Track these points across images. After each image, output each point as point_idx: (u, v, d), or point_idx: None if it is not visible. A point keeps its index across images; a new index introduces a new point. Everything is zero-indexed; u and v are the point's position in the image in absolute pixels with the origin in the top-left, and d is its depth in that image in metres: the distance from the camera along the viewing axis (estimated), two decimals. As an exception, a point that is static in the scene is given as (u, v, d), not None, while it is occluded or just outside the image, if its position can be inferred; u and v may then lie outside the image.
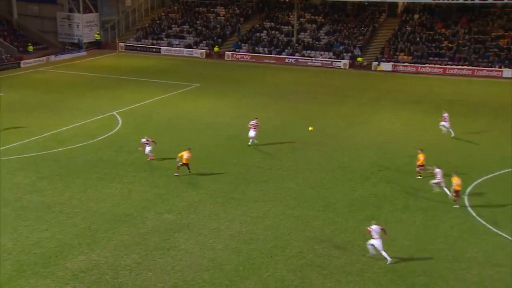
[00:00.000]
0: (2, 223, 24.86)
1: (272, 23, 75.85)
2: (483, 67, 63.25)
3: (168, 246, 23.31)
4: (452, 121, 39.27)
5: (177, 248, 23.18)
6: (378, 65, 65.53)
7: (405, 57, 67.06)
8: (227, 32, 76.32)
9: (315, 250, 23.21)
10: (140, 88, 53.28)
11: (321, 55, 69.82)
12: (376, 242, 22.01)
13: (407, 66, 65.33)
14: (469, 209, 27.33)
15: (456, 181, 27.26)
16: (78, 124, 40.60)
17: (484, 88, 56.73)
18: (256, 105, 47.85)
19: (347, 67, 67.11)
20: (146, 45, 74.97)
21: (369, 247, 22.29)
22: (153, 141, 33.44)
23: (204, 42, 74.76)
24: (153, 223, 25.44)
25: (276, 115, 44.79)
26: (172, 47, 74.28)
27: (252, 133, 36.42)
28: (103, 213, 26.22)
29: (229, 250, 23.15)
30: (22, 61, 62.86)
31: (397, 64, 65.87)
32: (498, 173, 32.20)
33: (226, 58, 71.22)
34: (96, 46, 74.89)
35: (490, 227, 25.46)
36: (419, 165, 31.02)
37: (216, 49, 72.61)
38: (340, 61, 67.72)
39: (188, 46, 74.43)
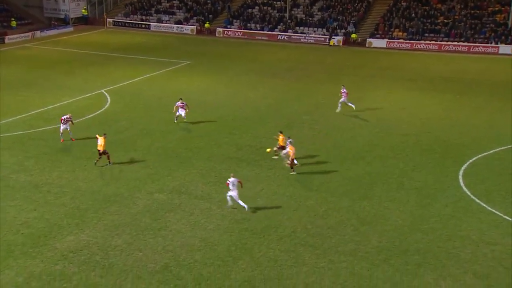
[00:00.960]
0: (-11, 203, 24.83)
1: (265, -1, 75.32)
2: (479, 43, 63.26)
3: (159, 226, 23.38)
4: (447, 98, 39.34)
5: (169, 228, 23.26)
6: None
7: (400, 33, 66.90)
8: (218, 8, 75.70)
9: (308, 230, 23.36)
10: (129, 66, 52.92)
11: (314, 31, 69.47)
12: (233, 193, 24.43)
13: (402, 42, 65.22)
14: (464, 187, 27.53)
15: (291, 150, 28.54)
16: (65, 102, 40.34)
17: (480, 64, 56.80)
18: (248, 83, 47.69)
19: (340, 44, 66.85)
20: (135, 21, 74.28)
21: (228, 198, 24.65)
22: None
23: (195, 18, 74.15)
24: (144, 203, 25.47)
25: (269, 93, 44.68)
26: (162, 23, 73.65)
27: (182, 112, 35.90)
28: (93, 193, 26.21)
29: (221, 230, 23.25)
30: (6, 37, 62.13)
31: (391, 40, 65.69)
32: (493, 151, 32.39)
33: (217, 35, 70.75)
34: (83, 21, 74.13)
35: (485, 205, 25.69)
36: (279, 147, 30.36)
37: (207, 25, 72.06)
38: (334, 38, 67.38)
39: (178, 22, 73.80)
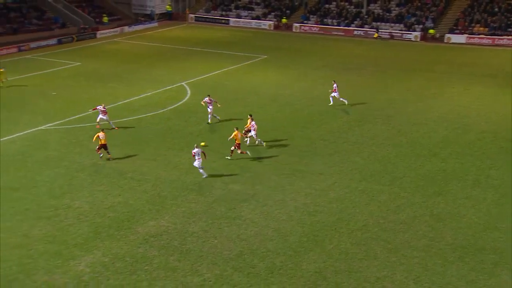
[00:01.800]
0: (79, 186, 26.01)
1: (342, -6, 74.29)
2: None
3: (234, 215, 23.70)
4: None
5: (243, 217, 23.53)
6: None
7: (481, 28, 64.14)
8: (296, 3, 75.43)
9: (380, 224, 22.97)
10: (209, 60, 53.77)
11: (391, 27, 67.88)
12: (197, 162, 26.77)
13: (482, 38, 62.52)
14: (544, 188, 26.16)
15: (236, 135, 29.06)
16: (149, 94, 41.55)
17: None
18: (323, 78, 47.30)
19: (418, 40, 64.99)
20: (215, 16, 75.28)
21: (201, 171, 27.02)
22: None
23: (273, 13, 74.26)
24: (219, 192, 25.88)
25: (344, 89, 44.06)
26: (241, 18, 74.26)
27: (210, 108, 35.07)
28: (172, 181, 26.90)
29: (293, 221, 23.28)
30: (98, 32, 64.69)
31: (472, 36, 63.13)
32: None
33: (294, 30, 70.54)
34: (168, 17, 75.90)
35: None
36: (246, 130, 30.95)
37: (284, 20, 71.99)
38: (411, 33, 65.61)
39: (257, 17, 74.17)
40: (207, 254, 20.76)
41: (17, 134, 32.16)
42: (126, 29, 68.05)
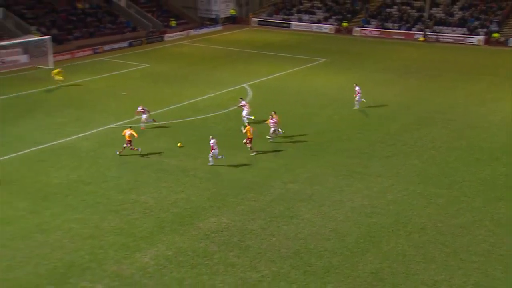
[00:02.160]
0: (145, 182, 26.65)
1: (403, -2, 72.78)
2: None
3: (291, 214, 23.65)
4: None
5: (300, 217, 23.44)
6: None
7: (547, 32, 61.30)
8: (357, 7, 74.47)
9: (438, 228, 22.34)
10: (270, 62, 53.89)
11: (454, 31, 65.89)
12: (215, 151, 28.32)
13: (548, 42, 59.74)
14: None
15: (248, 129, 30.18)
16: (212, 94, 42.08)
17: None
18: (382, 81, 46.49)
19: (481, 44, 62.78)
20: (277, 20, 75.38)
21: (210, 158, 28.47)
22: (148, 110, 33.94)
23: (334, 17, 73.62)
24: (278, 191, 25.89)
25: (403, 92, 43.24)
26: (302, 22, 74.04)
27: (245, 112, 34.55)
28: (232, 180, 27.12)
29: (350, 222, 22.99)
30: (165, 35, 66.12)
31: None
32: None
33: (354, 34, 69.69)
34: (231, 21, 76.64)
35: None
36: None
37: (344, 24, 71.23)
38: (474, 37, 63.45)
39: (318, 21, 73.75)
40: (265, 251, 20.81)
41: (90, 132, 33.30)
42: (192, 32, 69.21)
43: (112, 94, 41.99)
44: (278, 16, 76.49)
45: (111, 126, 34.37)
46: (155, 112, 36.39)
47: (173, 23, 70.57)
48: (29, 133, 32.70)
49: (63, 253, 20.49)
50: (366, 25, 70.65)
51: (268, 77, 47.73)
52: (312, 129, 34.62)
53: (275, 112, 32.29)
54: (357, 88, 38.41)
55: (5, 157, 29.06)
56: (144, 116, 33.89)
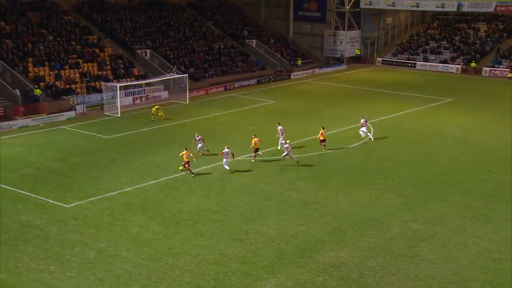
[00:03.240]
0: (267, 213, 27.05)
1: (539, 37, 68.07)
2: None
3: (412, 254, 22.66)
4: None
5: (421, 257, 22.38)
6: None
7: None
8: (487, 48, 70.84)
9: None
10: (392, 101, 52.76)
11: None
12: (225, 160, 31.90)
13: None
14: None
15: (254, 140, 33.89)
16: (334, 131, 41.95)
17: None
18: (513, 121, 43.50)
19: None
20: (402, 60, 73.88)
21: (226, 167, 32.14)
22: (203, 139, 35.79)
23: (461, 57, 70.60)
24: (398, 230, 24.99)
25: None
26: (428, 62, 71.85)
27: (281, 137, 36.44)
28: (352, 215, 26.65)
29: (475, 266, 21.51)
30: (292, 73, 67.55)
31: None
32: None
33: (483, 74, 66.16)
34: (356, 60, 76.50)
35: None
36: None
37: (473, 64, 67.96)
38: None
39: (444, 61, 71.13)
40: (383, 289, 20.08)
41: (219, 163, 34.61)
42: (317, 71, 69.98)
43: (240, 127, 43.44)
44: (403, 56, 74.97)
45: (237, 158, 35.46)
46: (275, 148, 37.02)
47: (299, 62, 71.91)
48: (167, 162, 34.72)
49: (191, 277, 21.24)
50: (496, 65, 66.87)
51: (390, 116, 46.71)
52: (435, 169, 33.17)
53: (323, 128, 36.41)
54: (362, 120, 39.12)
55: (145, 184, 31.08)
56: (199, 145, 35.87)
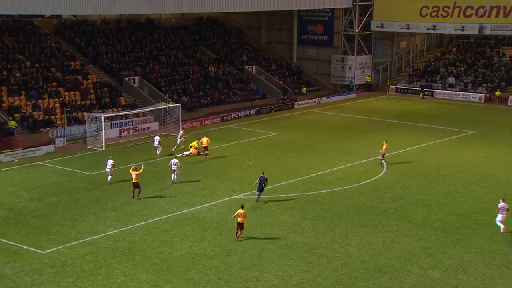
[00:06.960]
0: (268, 259, 26.96)
1: None
2: None
3: (432, 305, 22.51)
4: None
5: (442, 309, 22.23)
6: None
7: None
8: (513, 74, 71.61)
9: None
10: (409, 133, 53.09)
11: None
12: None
13: None
14: None
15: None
16: (343, 166, 42.11)
17: None
18: (543, 156, 43.66)
19: None
20: (418, 88, 74.43)
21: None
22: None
23: (484, 85, 71.27)
24: (416, 278, 24.87)
25: None
26: (447, 90, 72.53)
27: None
28: (364, 261, 26.57)
29: (503, 320, 21.34)
30: (296, 102, 68.07)
31: None
32: None
33: (509, 104, 66.69)
34: (366, 88, 77.03)
35: None
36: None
37: (497, 93, 68.58)
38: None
39: (465, 89, 71.80)
40: None
41: (214, 202, 34.64)
42: (324, 100, 70.52)
43: (238, 163, 43.61)
44: (419, 83, 75.64)
45: (235, 197, 35.50)
46: (281, 184, 37.12)
47: (304, 90, 72.58)
48: (156, 201, 34.77)
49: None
50: (523, 94, 67.49)
51: (406, 149, 46.93)
52: (457, 209, 33.18)
53: (386, 141, 40.91)
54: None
55: (131, 226, 31.06)
56: (178, 141, 42.54)
